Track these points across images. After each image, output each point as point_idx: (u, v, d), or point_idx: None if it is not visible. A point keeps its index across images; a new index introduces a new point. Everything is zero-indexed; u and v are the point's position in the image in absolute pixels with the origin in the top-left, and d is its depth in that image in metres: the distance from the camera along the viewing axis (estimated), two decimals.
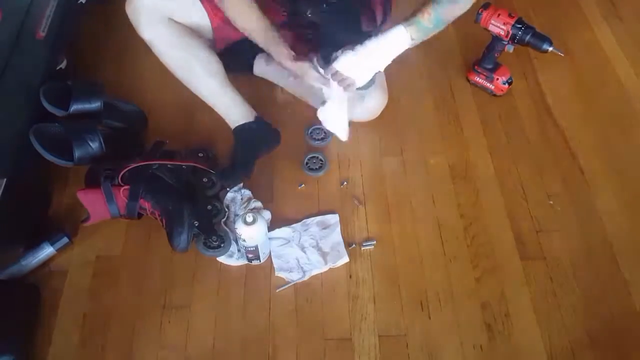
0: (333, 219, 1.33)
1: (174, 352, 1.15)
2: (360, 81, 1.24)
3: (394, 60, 1.24)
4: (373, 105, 1.41)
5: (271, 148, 1.42)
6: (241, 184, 1.37)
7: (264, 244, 1.22)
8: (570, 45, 1.70)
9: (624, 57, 1.66)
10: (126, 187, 1.24)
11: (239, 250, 1.27)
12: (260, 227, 1.18)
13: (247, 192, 1.37)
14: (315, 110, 1.49)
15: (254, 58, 1.56)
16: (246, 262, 1.26)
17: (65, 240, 1.26)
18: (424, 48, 1.68)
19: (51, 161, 1.28)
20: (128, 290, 1.23)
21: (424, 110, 1.55)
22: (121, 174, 1.25)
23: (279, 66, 1.53)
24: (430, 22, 1.19)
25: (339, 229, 1.31)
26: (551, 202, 1.36)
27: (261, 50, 1.55)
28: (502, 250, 1.28)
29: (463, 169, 1.42)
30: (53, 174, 1.38)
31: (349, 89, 1.25)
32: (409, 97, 1.57)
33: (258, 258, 1.24)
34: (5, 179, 1.17)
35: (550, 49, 1.39)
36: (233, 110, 1.39)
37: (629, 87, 1.59)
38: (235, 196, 1.36)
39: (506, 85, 1.53)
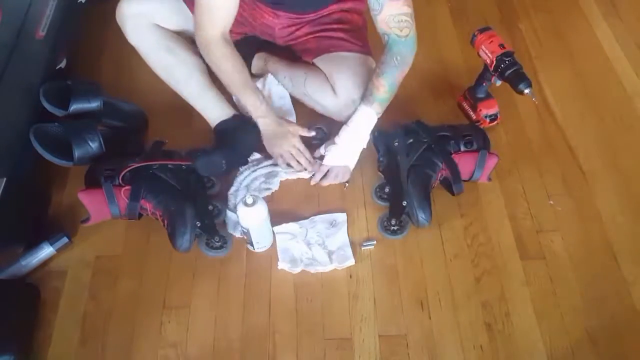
0: (341, 217, 1.33)
1: (174, 352, 1.15)
2: (352, 164, 1.36)
3: None
4: None
5: (252, 140, 1.41)
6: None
7: (258, 232, 1.22)
8: (570, 45, 1.70)
9: (624, 57, 1.66)
10: (127, 187, 1.23)
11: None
12: (256, 212, 1.18)
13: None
14: (311, 110, 1.50)
15: (252, 57, 1.56)
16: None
17: (64, 240, 1.26)
18: (427, 50, 1.69)
19: (51, 161, 1.28)
20: (128, 290, 1.23)
21: (424, 110, 1.54)
22: (122, 174, 1.24)
23: (276, 65, 1.54)
24: (386, 92, 1.29)
25: (345, 228, 1.31)
26: (551, 202, 1.36)
27: (259, 50, 1.56)
28: (502, 250, 1.28)
29: None
30: (53, 173, 1.38)
31: (347, 177, 1.37)
32: (408, 96, 1.56)
33: (251, 244, 1.24)
34: (5, 179, 1.17)
35: (527, 91, 1.30)
36: (211, 111, 1.42)
37: (630, 86, 1.59)
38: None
39: (487, 120, 1.45)
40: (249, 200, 1.17)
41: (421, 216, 1.26)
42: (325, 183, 1.37)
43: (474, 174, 1.31)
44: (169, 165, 1.30)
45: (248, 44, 1.53)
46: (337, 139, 1.34)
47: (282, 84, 1.54)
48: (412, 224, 1.29)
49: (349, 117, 1.35)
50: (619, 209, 1.34)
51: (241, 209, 1.17)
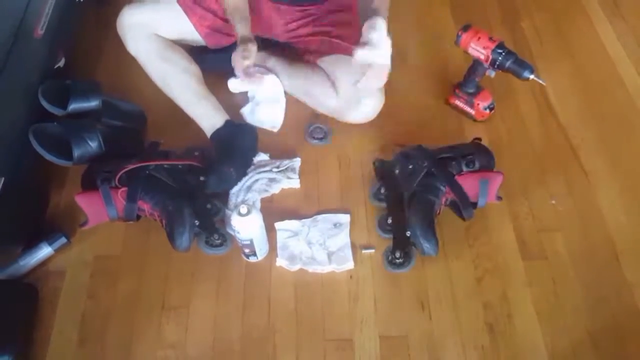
0: (344, 218, 1.32)
1: (173, 353, 1.15)
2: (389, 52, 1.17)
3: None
4: (371, 107, 1.40)
5: (250, 142, 1.41)
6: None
7: (260, 240, 1.21)
8: (572, 44, 1.69)
9: (627, 56, 1.65)
10: (124, 188, 1.22)
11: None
12: (255, 219, 1.16)
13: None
14: (311, 111, 1.49)
15: None
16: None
17: (63, 240, 1.25)
18: (428, 49, 1.69)
19: (50, 161, 1.27)
20: (127, 291, 1.23)
21: (425, 109, 1.54)
22: (118, 175, 1.23)
23: (276, 65, 1.53)
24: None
25: (348, 230, 1.30)
26: (553, 202, 1.35)
27: (258, 50, 1.54)
28: (504, 251, 1.27)
29: None
30: (51, 173, 1.37)
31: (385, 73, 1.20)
32: (410, 96, 1.56)
33: (255, 254, 1.23)
34: (3, 178, 1.16)
35: (532, 76, 1.30)
36: (205, 119, 1.41)
37: (632, 86, 1.58)
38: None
39: (487, 111, 1.45)
40: (244, 210, 1.14)
41: (426, 246, 1.19)
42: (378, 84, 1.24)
43: (478, 202, 1.24)
44: (165, 165, 1.29)
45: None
46: (376, 22, 1.14)
47: (282, 84, 1.53)
48: (418, 254, 1.23)
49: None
50: (622, 209, 1.34)
51: (239, 220, 1.14)
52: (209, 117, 1.41)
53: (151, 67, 1.42)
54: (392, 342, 1.15)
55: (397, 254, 1.22)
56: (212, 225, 1.26)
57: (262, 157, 1.42)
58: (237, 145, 1.37)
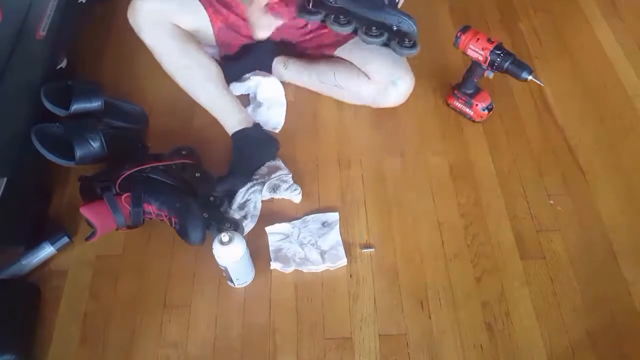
0: (333, 217, 1.33)
1: (175, 351, 1.15)
2: None
3: None
4: (405, 87, 1.40)
5: (270, 154, 1.41)
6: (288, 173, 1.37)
7: (236, 270, 1.18)
8: (570, 44, 1.70)
9: (624, 57, 1.66)
10: (126, 194, 1.23)
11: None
12: (233, 250, 1.13)
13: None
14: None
15: (271, 63, 1.55)
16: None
17: (65, 239, 1.26)
18: (427, 50, 1.69)
19: (53, 161, 1.28)
20: (128, 290, 1.24)
21: (425, 110, 1.55)
22: (118, 182, 1.24)
23: (299, 65, 1.52)
24: None
25: (338, 227, 1.31)
26: (551, 202, 1.36)
27: (279, 54, 1.55)
28: (502, 250, 1.28)
29: (463, 169, 1.42)
30: (53, 173, 1.38)
31: None
32: (409, 97, 1.56)
33: (231, 280, 1.21)
34: (5, 179, 1.17)
35: (530, 77, 1.32)
36: (230, 116, 1.40)
37: (630, 87, 1.58)
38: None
39: (486, 112, 1.47)
40: (225, 239, 1.12)
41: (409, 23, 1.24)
42: None
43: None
44: (160, 167, 1.30)
45: (265, 51, 1.52)
46: None
47: (308, 83, 1.52)
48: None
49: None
50: (619, 208, 1.34)
51: (217, 247, 1.12)
52: (233, 113, 1.39)
53: (170, 59, 1.39)
54: (392, 341, 1.16)
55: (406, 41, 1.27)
56: (220, 215, 1.27)
57: (278, 163, 1.40)
58: (259, 156, 1.37)
